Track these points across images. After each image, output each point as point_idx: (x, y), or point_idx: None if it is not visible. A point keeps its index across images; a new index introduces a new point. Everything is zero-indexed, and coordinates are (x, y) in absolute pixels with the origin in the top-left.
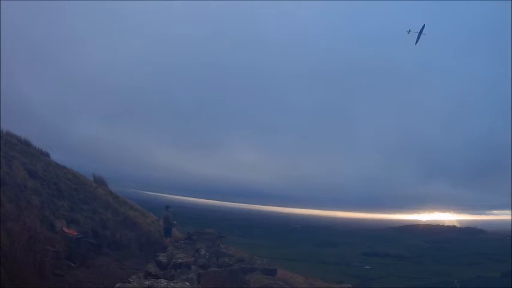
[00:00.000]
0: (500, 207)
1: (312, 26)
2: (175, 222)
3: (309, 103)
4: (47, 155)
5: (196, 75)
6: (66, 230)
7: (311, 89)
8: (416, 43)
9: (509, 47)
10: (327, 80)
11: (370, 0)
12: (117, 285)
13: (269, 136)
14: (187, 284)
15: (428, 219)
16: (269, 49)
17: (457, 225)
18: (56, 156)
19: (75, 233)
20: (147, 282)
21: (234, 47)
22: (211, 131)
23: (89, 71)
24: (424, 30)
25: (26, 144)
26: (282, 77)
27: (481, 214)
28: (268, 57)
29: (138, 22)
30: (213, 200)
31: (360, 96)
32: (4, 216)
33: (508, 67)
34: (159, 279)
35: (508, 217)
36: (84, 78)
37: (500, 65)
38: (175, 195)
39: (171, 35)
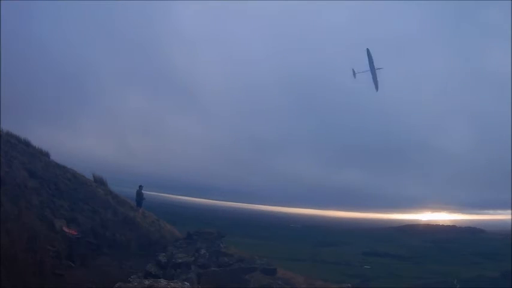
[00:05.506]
0: (500, 207)
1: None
2: (144, 197)
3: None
4: (47, 155)
5: None
6: (66, 230)
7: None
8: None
9: (510, 47)
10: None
11: None
12: (117, 285)
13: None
14: (187, 283)
15: (428, 219)
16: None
17: (457, 225)
18: (53, 157)
19: (75, 233)
20: (147, 282)
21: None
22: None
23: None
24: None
25: (26, 144)
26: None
27: (481, 214)
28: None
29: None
30: (212, 200)
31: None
32: (4, 216)
33: (508, 66)
34: (159, 279)
35: (508, 217)
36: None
37: (500, 63)
38: (176, 195)
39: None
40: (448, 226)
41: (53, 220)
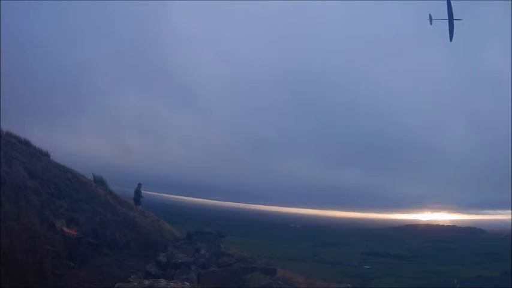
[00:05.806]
0: (500, 207)
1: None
2: (143, 196)
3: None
4: (47, 155)
5: None
6: (66, 230)
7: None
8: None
9: (509, 47)
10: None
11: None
12: (117, 285)
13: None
14: (187, 283)
15: (428, 219)
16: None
17: (457, 225)
18: (53, 157)
19: (75, 233)
20: (147, 282)
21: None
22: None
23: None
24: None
25: (26, 144)
26: None
27: (481, 214)
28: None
29: None
30: (212, 200)
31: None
32: (4, 216)
33: (508, 66)
34: (159, 279)
35: (508, 217)
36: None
37: (499, 63)
38: (176, 195)
39: None
40: (448, 226)
41: (53, 220)
